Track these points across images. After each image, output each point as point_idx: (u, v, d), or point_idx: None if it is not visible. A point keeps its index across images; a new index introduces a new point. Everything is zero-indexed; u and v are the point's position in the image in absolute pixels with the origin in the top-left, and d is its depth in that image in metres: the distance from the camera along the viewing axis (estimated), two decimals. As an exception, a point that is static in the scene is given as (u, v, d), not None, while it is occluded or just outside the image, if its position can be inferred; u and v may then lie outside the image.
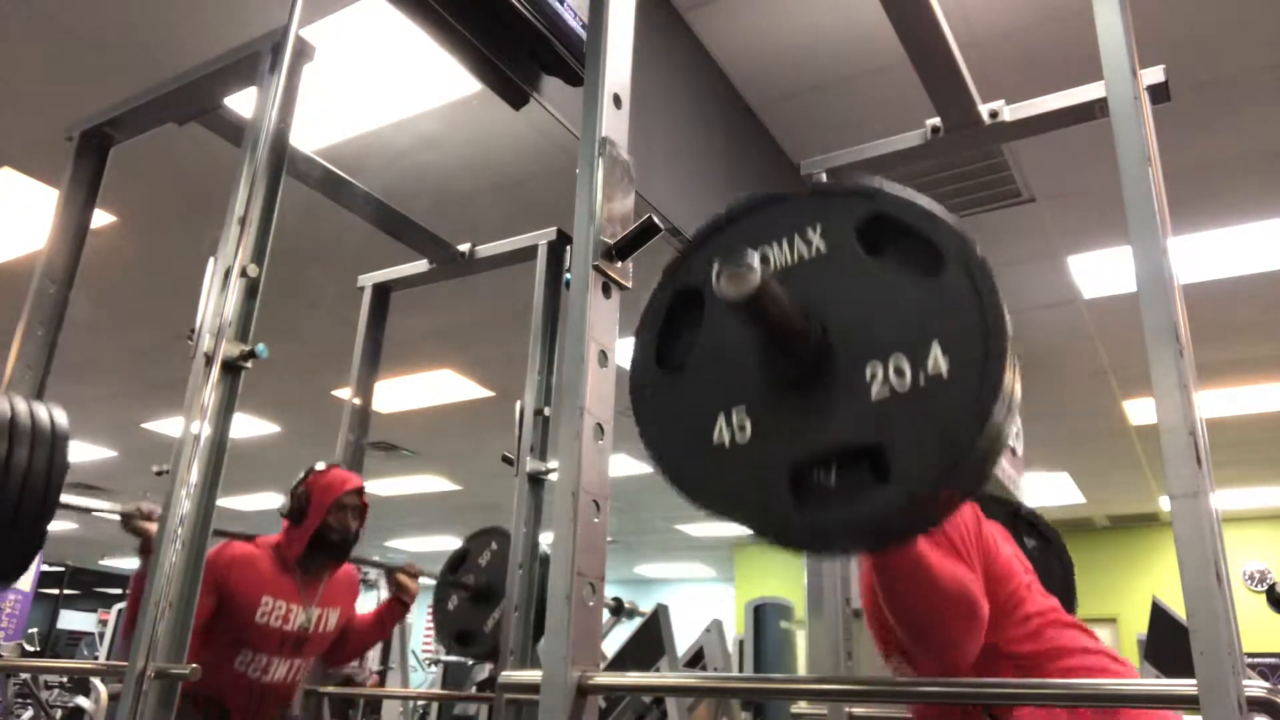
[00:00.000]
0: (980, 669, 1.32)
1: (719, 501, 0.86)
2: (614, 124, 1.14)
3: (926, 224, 0.82)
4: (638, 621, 3.66)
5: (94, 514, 1.90)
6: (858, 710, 2.27)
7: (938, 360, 0.77)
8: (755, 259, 0.78)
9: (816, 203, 0.90)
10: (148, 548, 1.95)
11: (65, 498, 1.63)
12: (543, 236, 2.82)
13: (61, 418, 1.64)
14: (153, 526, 1.96)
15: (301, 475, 2.45)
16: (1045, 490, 7.45)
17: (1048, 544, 2.12)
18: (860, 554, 1.15)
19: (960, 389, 0.75)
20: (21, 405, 1.60)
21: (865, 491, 0.78)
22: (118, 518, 1.95)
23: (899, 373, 0.79)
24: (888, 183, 0.86)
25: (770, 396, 0.86)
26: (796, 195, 0.92)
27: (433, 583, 3.11)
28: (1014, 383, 0.77)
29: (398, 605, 2.72)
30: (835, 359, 0.83)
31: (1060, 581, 2.04)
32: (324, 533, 2.37)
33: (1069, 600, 2.06)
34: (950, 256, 0.80)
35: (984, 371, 0.75)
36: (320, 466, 2.47)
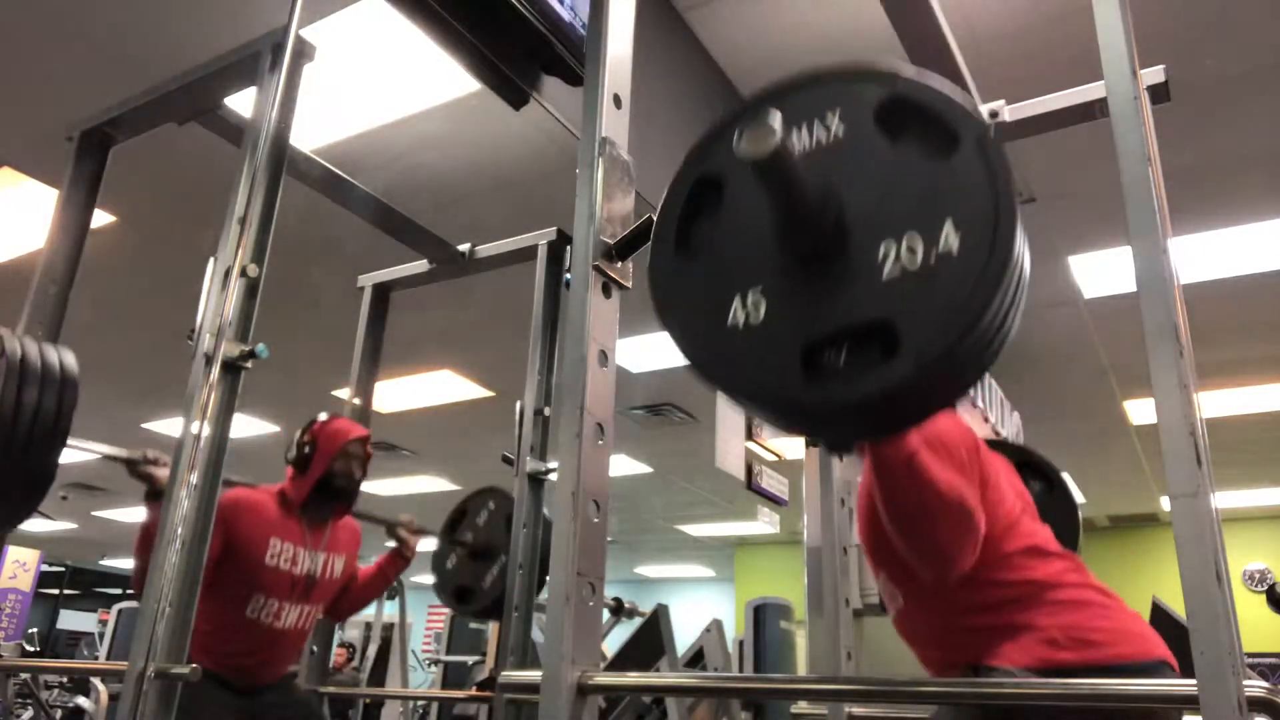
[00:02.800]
0: (966, 592, 1.34)
1: (732, 381, 0.88)
2: (614, 124, 1.14)
3: (942, 107, 0.83)
4: (638, 621, 3.66)
5: (102, 457, 1.89)
6: (858, 710, 2.27)
7: (949, 237, 0.78)
8: (776, 118, 0.79)
9: (836, 87, 0.91)
10: (155, 492, 1.95)
11: (72, 441, 1.67)
12: (543, 236, 2.82)
13: (70, 359, 1.68)
14: (160, 471, 1.96)
15: (306, 424, 2.45)
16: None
17: (1052, 486, 2.14)
18: (866, 440, 1.15)
19: (970, 264, 0.77)
20: (32, 346, 1.64)
21: (874, 368, 0.79)
22: (122, 464, 1.95)
23: (911, 251, 0.80)
24: (904, 65, 0.88)
25: (785, 277, 0.87)
26: (817, 78, 0.93)
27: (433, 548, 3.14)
28: (1023, 259, 0.78)
29: (398, 558, 2.74)
30: (850, 238, 0.84)
31: (1065, 522, 2.05)
32: (329, 479, 2.38)
33: (1073, 540, 2.06)
34: (964, 138, 0.81)
35: (994, 246, 0.76)
36: (324, 416, 2.47)
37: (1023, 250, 0.78)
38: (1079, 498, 7.67)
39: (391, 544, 2.77)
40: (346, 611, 2.74)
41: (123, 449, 1.94)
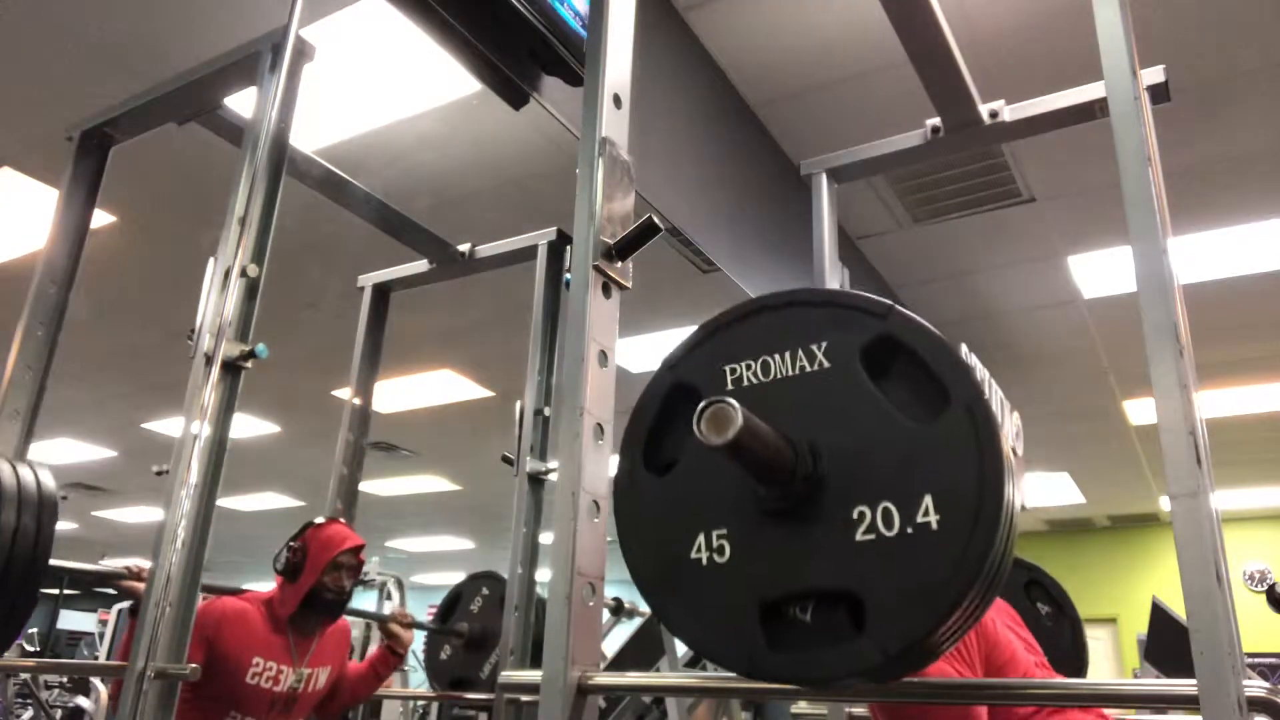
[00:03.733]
0: None
1: (689, 632, 0.84)
2: (614, 124, 1.14)
3: (936, 356, 0.80)
4: (638, 621, 3.65)
5: (86, 574, 1.86)
6: (858, 710, 2.27)
7: (928, 512, 0.75)
8: (736, 406, 0.74)
9: (826, 315, 0.87)
10: (138, 608, 1.93)
11: (55, 561, 1.59)
12: (543, 236, 2.82)
13: (48, 479, 1.59)
14: (141, 587, 1.89)
15: (299, 529, 2.39)
16: (1045, 490, 7.45)
17: (1060, 609, 2.13)
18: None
19: (948, 545, 0.73)
20: (6, 468, 1.55)
21: (841, 638, 0.76)
22: (107, 581, 1.92)
23: (886, 519, 0.77)
24: (899, 308, 0.83)
25: (753, 523, 0.83)
26: (808, 302, 0.89)
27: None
28: (1006, 541, 0.75)
29: (391, 656, 2.66)
30: (825, 492, 0.81)
31: (1070, 642, 2.05)
32: (318, 592, 2.31)
33: (1080, 659, 2.06)
34: (955, 399, 0.77)
35: (974, 531, 0.73)
36: (319, 521, 2.41)
37: (1008, 530, 0.74)
38: (1079, 498, 7.68)
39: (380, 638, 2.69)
40: (336, 710, 2.66)
41: (105, 565, 1.91)
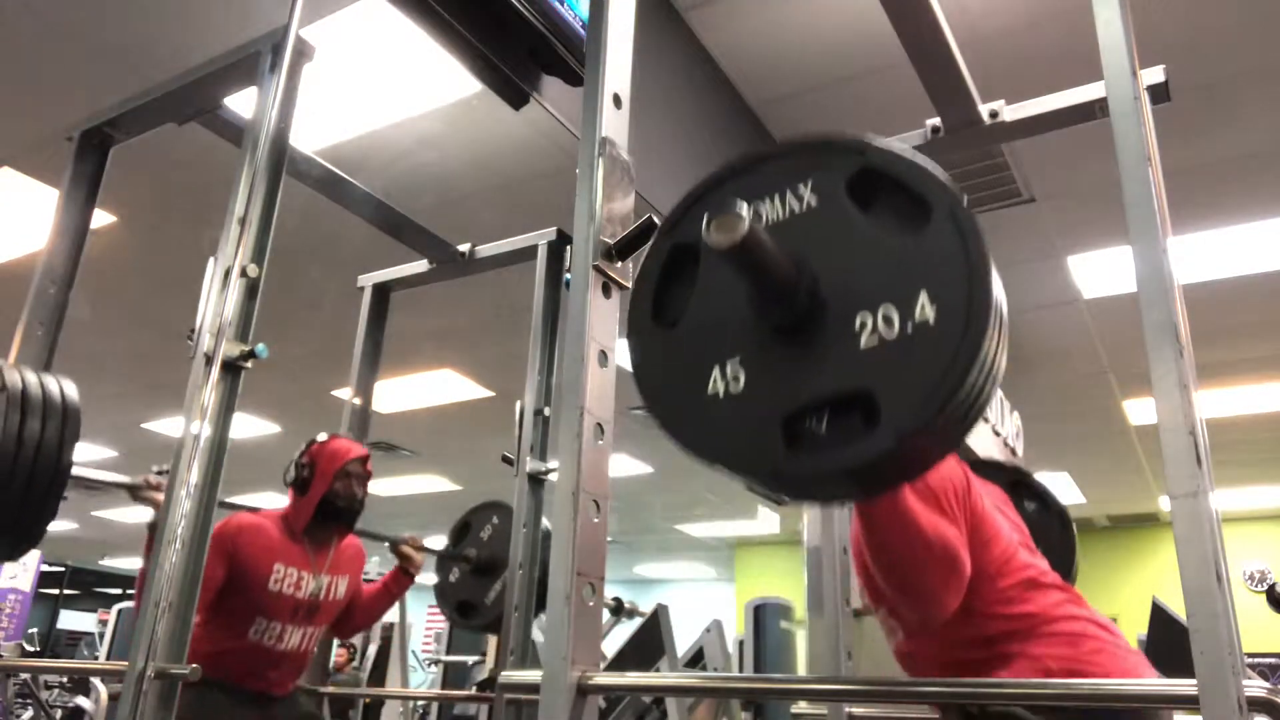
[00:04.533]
0: (964, 626, 1.34)
1: (713, 451, 0.88)
2: (614, 124, 1.14)
3: (914, 177, 0.84)
4: (638, 621, 3.66)
5: (104, 486, 1.88)
6: (858, 710, 2.27)
7: (925, 308, 0.79)
8: (744, 207, 0.79)
9: (808, 158, 0.91)
10: (155, 524, 1.96)
11: (79, 470, 1.65)
12: (543, 236, 2.82)
13: (71, 390, 1.65)
14: (160, 497, 1.96)
15: (304, 445, 2.45)
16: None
17: (1046, 506, 2.14)
18: (850, 501, 1.17)
19: (946, 334, 0.77)
20: (32, 377, 1.61)
21: (855, 437, 0.80)
22: (125, 490, 1.95)
23: (887, 321, 0.80)
24: (875, 136, 0.88)
25: (763, 348, 0.87)
26: (788, 150, 0.94)
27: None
28: (999, 328, 0.79)
29: (403, 576, 2.72)
30: (826, 310, 0.85)
31: (1059, 543, 2.05)
32: (330, 500, 2.37)
33: (1069, 561, 2.07)
34: (937, 208, 0.81)
35: (969, 317, 0.77)
36: (322, 437, 2.46)
37: (1000, 318, 0.79)
38: (1079, 498, 7.69)
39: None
40: (351, 630, 2.74)
41: (125, 476, 1.94)
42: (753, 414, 0.86)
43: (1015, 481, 2.12)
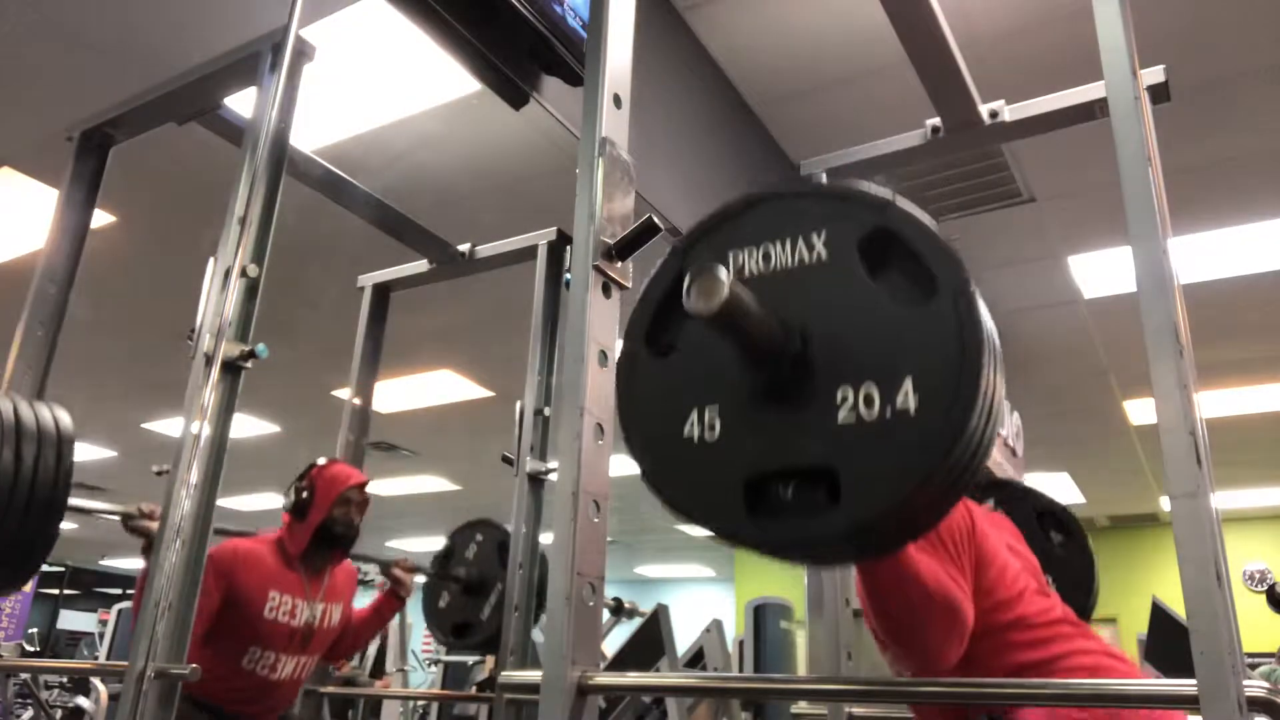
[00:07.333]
0: (971, 672, 1.30)
1: (677, 497, 0.87)
2: (614, 124, 1.14)
3: (927, 247, 0.81)
4: (638, 621, 3.65)
5: (97, 515, 1.89)
6: (858, 710, 2.27)
7: (908, 395, 0.77)
8: (724, 274, 0.77)
9: (830, 205, 0.89)
10: (150, 548, 1.95)
11: (71, 500, 1.63)
12: (543, 236, 2.82)
13: (65, 418, 1.63)
14: (154, 526, 1.95)
15: (303, 470, 2.44)
16: (1045, 490, 7.44)
17: (1071, 538, 2.10)
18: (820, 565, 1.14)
19: (924, 429, 0.75)
20: (25, 407, 1.59)
21: (817, 511, 0.78)
22: (118, 519, 1.95)
23: (868, 402, 0.78)
24: (899, 198, 0.86)
25: (744, 401, 0.86)
26: (812, 192, 0.93)
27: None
28: (985, 418, 0.76)
29: (394, 599, 2.73)
30: (812, 376, 0.83)
31: (1082, 575, 2.03)
32: (328, 527, 2.37)
33: (1088, 594, 2.04)
34: (943, 287, 0.79)
35: (949, 415, 0.74)
36: (322, 461, 2.46)
37: (985, 414, 0.76)
38: (1079, 498, 7.69)
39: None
40: (342, 655, 2.73)
41: (117, 505, 1.93)
42: (721, 469, 0.84)
43: (1040, 512, 2.09)
